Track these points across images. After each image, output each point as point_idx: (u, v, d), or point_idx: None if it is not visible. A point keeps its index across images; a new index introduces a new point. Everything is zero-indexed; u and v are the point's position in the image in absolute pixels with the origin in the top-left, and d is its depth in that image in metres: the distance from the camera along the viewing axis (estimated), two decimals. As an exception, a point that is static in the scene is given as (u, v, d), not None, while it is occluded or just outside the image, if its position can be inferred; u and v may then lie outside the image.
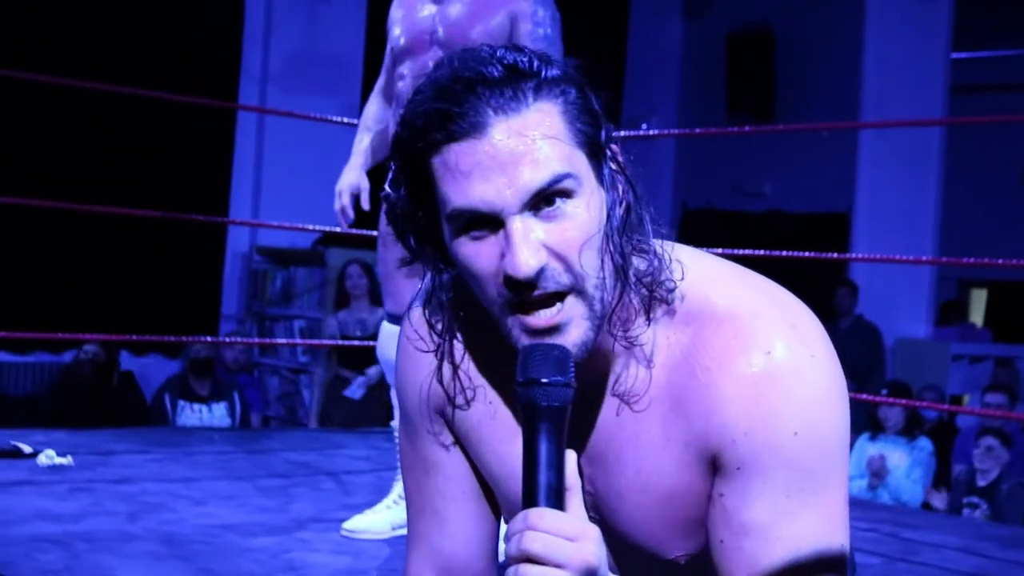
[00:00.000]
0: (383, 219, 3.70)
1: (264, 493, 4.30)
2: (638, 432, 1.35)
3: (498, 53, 1.25)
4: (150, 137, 8.36)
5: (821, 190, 10.96)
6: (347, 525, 3.67)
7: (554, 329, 1.24)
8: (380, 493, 4.10)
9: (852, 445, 6.95)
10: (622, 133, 8.49)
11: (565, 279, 1.23)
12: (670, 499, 1.35)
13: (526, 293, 1.22)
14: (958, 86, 10.31)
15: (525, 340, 1.25)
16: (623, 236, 1.28)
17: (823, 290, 9.34)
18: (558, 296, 1.24)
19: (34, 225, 7.68)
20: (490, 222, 1.23)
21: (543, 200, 1.22)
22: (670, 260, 1.33)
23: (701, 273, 1.35)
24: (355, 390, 7.29)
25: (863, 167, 10.22)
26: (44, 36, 7.84)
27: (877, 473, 6.73)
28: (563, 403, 1.21)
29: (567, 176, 1.23)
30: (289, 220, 7.46)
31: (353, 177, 3.70)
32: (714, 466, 1.31)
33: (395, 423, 3.74)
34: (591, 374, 1.33)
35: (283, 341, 8.75)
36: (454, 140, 1.22)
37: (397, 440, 3.46)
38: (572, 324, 1.24)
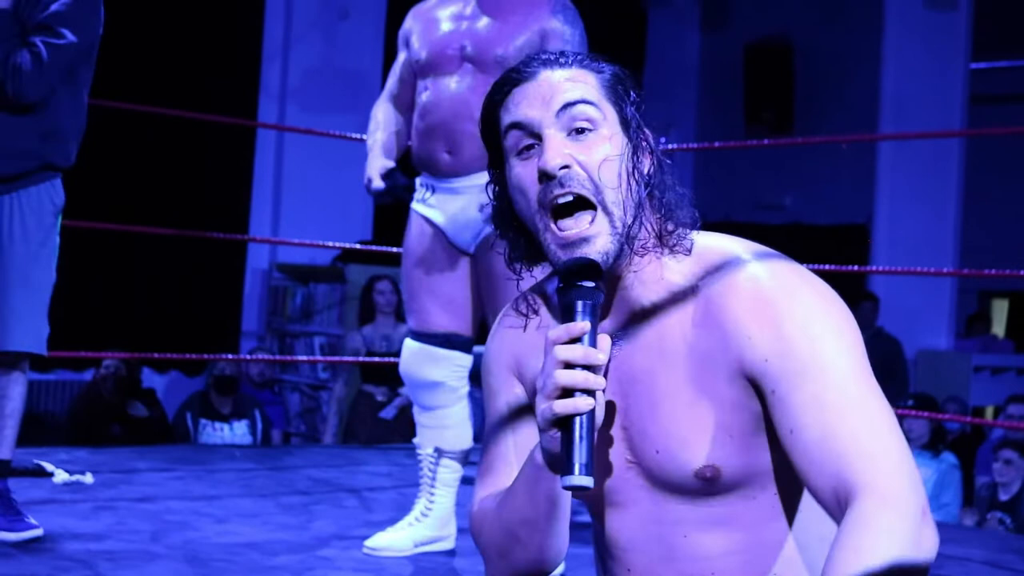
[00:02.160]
0: (409, 235, 3.70)
1: (286, 510, 4.30)
2: (662, 350, 1.55)
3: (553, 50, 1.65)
4: (169, 155, 8.39)
5: (841, 202, 10.95)
6: (369, 543, 3.65)
7: (583, 241, 1.51)
8: (402, 510, 4.10)
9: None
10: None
11: (588, 186, 1.51)
12: (697, 402, 1.53)
13: (555, 190, 1.50)
14: (977, 96, 10.28)
15: (561, 255, 1.51)
16: (642, 180, 1.55)
17: (845, 302, 9.31)
18: (583, 204, 1.51)
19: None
20: (532, 135, 1.53)
21: (573, 122, 1.52)
22: (690, 222, 1.58)
23: (717, 236, 1.60)
24: (389, 410, 7.30)
25: (882, 179, 10.19)
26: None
27: None
28: (595, 301, 1.48)
29: (591, 104, 1.53)
30: (308, 237, 7.48)
31: (377, 161, 3.68)
32: (745, 375, 1.50)
33: (417, 439, 3.74)
34: (618, 299, 1.58)
35: (304, 358, 8.77)
36: (514, 86, 1.56)
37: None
38: (598, 237, 1.50)
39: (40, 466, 4.55)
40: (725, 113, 11.71)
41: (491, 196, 1.64)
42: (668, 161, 1.60)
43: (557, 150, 1.50)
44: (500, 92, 1.58)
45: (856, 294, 9.47)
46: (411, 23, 3.67)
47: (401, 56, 3.71)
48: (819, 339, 1.47)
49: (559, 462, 1.46)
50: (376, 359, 7.04)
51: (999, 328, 12.60)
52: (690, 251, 1.57)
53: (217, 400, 7.08)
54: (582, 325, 1.47)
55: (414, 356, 3.64)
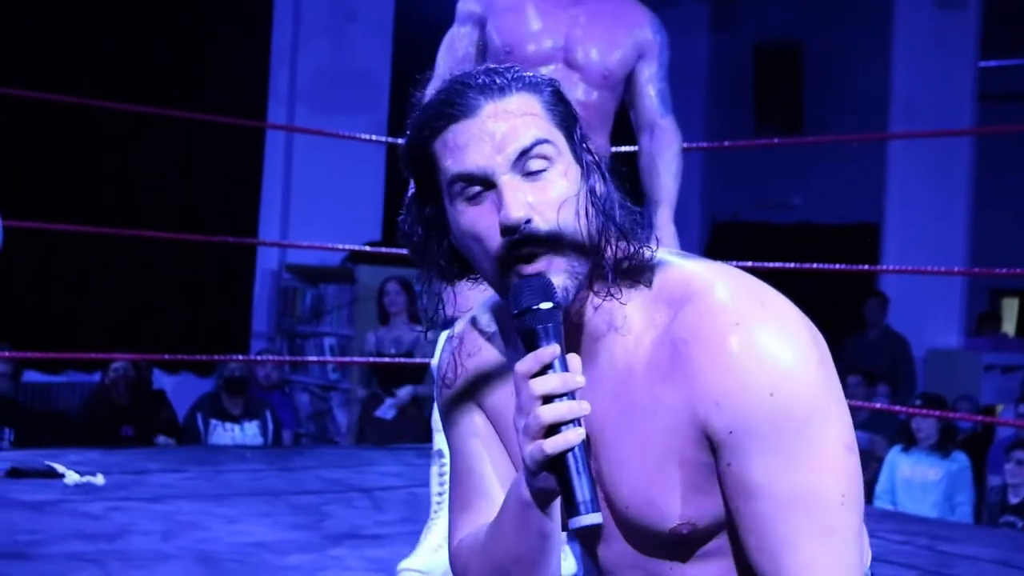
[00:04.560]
0: None
1: (297, 511, 4.31)
2: (630, 402, 1.45)
3: (483, 67, 1.49)
4: (179, 157, 8.41)
5: (850, 201, 10.93)
6: (404, 564, 3.47)
7: (540, 275, 1.40)
8: (413, 509, 4.10)
9: (883, 460, 6.90)
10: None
11: (548, 231, 1.40)
12: (666, 463, 1.43)
13: (518, 243, 1.40)
14: (986, 95, 10.26)
15: (514, 283, 1.42)
16: (600, 208, 1.45)
17: (853, 301, 9.31)
18: (544, 245, 1.41)
19: (66, 246, 7.74)
20: (484, 184, 1.42)
21: (527, 164, 1.42)
22: (647, 243, 1.48)
23: (677, 261, 1.50)
24: (386, 411, 7.29)
25: (892, 177, 10.17)
26: (73, 59, 7.90)
27: None
28: (556, 321, 1.38)
29: (546, 141, 1.42)
30: (318, 238, 7.49)
31: None
32: (709, 438, 1.39)
33: (441, 446, 3.45)
34: (581, 349, 1.48)
35: (314, 359, 8.77)
36: (452, 122, 1.43)
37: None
38: (555, 273, 1.41)
39: (51, 467, 4.56)
40: (734, 113, 11.70)
41: (418, 230, 1.53)
42: (605, 171, 1.49)
43: (517, 201, 1.39)
44: (431, 125, 1.45)
45: (866, 292, 9.46)
46: (476, 5, 3.39)
47: (465, 31, 3.43)
48: (785, 420, 1.36)
49: (556, 497, 1.40)
50: (385, 360, 7.05)
51: (1009, 327, 12.56)
52: (651, 282, 1.47)
53: (228, 401, 7.09)
54: (551, 350, 1.36)
55: None
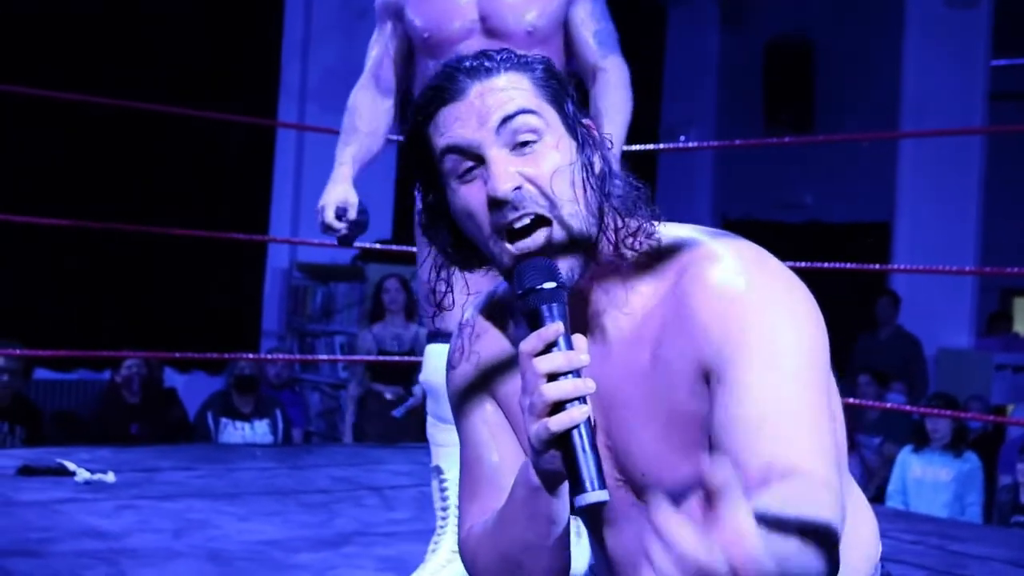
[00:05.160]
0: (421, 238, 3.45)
1: (307, 509, 4.31)
2: (638, 369, 1.46)
3: (473, 53, 1.50)
4: (190, 155, 8.41)
5: (861, 200, 10.92)
6: (418, 573, 3.26)
7: (543, 255, 1.41)
8: (423, 507, 4.09)
9: (894, 460, 6.88)
10: (660, 145, 8.49)
11: (542, 203, 1.41)
12: (672, 421, 1.44)
13: (510, 215, 1.40)
14: (998, 94, 10.23)
15: (517, 263, 1.42)
16: (596, 184, 1.45)
17: (864, 300, 9.29)
18: (539, 222, 1.41)
19: (77, 243, 7.75)
20: (474, 158, 1.43)
21: (515, 137, 1.42)
22: (650, 218, 1.48)
23: (675, 227, 1.51)
24: (400, 410, 7.30)
25: (903, 176, 10.15)
26: (85, 57, 7.90)
27: None
28: (560, 301, 1.39)
29: (531, 112, 1.43)
30: (328, 237, 7.47)
31: (340, 192, 3.24)
32: (704, 377, 1.40)
33: (439, 462, 3.30)
34: (585, 317, 1.49)
35: (324, 357, 8.78)
36: (443, 105, 1.45)
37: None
38: (556, 251, 1.41)
39: (62, 465, 4.57)
40: (745, 111, 11.68)
41: (427, 218, 1.55)
42: (610, 148, 1.51)
43: (504, 172, 1.40)
44: (424, 111, 1.48)
45: (877, 291, 9.44)
46: None
47: (387, 27, 3.32)
48: (771, 332, 1.37)
49: (564, 480, 1.40)
50: (388, 358, 7.06)
51: (1021, 326, 12.54)
52: (656, 252, 1.47)
53: (238, 399, 7.10)
54: (555, 327, 1.37)
55: (441, 361, 3.18)
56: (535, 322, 1.39)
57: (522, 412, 1.40)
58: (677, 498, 1.44)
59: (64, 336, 7.37)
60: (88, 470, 4.54)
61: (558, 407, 1.35)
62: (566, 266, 1.42)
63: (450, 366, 1.65)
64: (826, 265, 5.04)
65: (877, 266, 6.93)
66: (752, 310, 1.38)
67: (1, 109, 7.29)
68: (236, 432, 6.98)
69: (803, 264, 4.90)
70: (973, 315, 10.08)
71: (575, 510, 1.39)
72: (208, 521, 3.97)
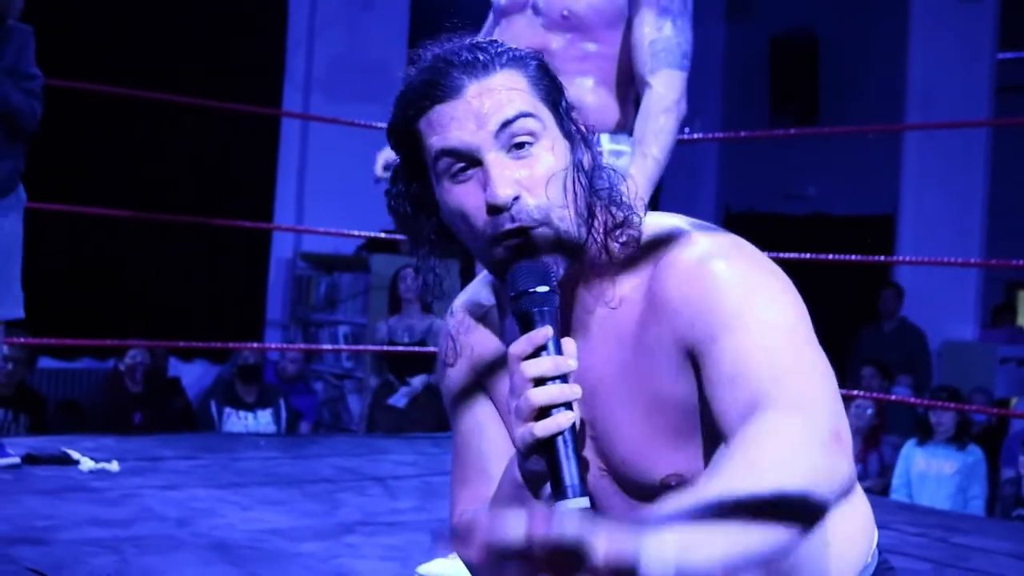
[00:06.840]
0: None
1: (311, 498, 4.31)
2: (623, 362, 1.47)
3: (467, 42, 1.48)
4: (194, 144, 8.41)
5: (866, 192, 10.90)
6: (423, 569, 3.42)
7: (538, 259, 1.41)
8: (427, 497, 4.10)
9: (898, 452, 6.89)
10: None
11: (536, 213, 1.41)
12: (656, 407, 1.45)
13: (507, 224, 1.40)
14: (1004, 87, 10.22)
15: (511, 264, 1.43)
16: (585, 183, 1.45)
17: (868, 293, 9.28)
18: (533, 227, 1.41)
19: (81, 232, 7.75)
20: (470, 160, 1.42)
21: (512, 139, 1.41)
22: (634, 203, 1.49)
23: (659, 216, 1.52)
24: (399, 399, 7.30)
25: (908, 169, 10.15)
26: (89, 45, 7.90)
27: None
28: (552, 306, 1.39)
29: (530, 115, 1.42)
30: (333, 226, 7.48)
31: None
32: (686, 357, 1.42)
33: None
34: (570, 311, 1.50)
35: (328, 347, 8.78)
36: (437, 102, 1.43)
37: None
38: (543, 250, 1.41)
39: (66, 454, 4.57)
40: (750, 103, 11.67)
41: (407, 207, 1.54)
42: (595, 139, 1.50)
43: (504, 179, 1.40)
44: (415, 106, 1.45)
45: (881, 284, 9.44)
46: None
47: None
48: (749, 297, 1.38)
49: (546, 482, 1.40)
50: (399, 348, 7.06)
51: (1025, 319, 12.54)
52: (638, 243, 1.48)
53: (242, 389, 7.11)
54: (544, 331, 1.38)
55: None
56: (526, 325, 1.40)
57: (509, 413, 1.41)
58: (660, 488, 1.46)
59: (68, 325, 7.38)
60: (92, 459, 4.54)
61: (544, 412, 1.36)
62: (551, 263, 1.43)
63: (444, 364, 1.67)
64: (830, 257, 5.04)
65: (881, 258, 6.95)
66: (725, 283, 1.39)
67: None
68: (239, 421, 6.99)
69: (807, 256, 4.90)
70: (977, 308, 10.07)
71: None
72: (212, 510, 3.97)
